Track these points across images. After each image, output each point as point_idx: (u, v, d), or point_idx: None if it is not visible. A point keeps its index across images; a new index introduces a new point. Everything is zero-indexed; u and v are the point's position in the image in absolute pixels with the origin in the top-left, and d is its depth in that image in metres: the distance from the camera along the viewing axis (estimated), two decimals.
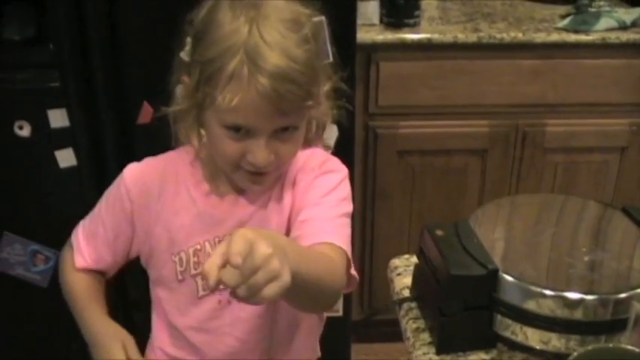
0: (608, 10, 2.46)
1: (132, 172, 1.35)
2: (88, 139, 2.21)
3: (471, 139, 2.51)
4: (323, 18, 1.24)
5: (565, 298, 1.10)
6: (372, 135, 2.52)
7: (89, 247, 1.39)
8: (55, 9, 2.09)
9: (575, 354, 0.93)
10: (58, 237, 2.28)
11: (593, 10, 2.47)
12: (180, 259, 1.32)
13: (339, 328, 2.37)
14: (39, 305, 2.38)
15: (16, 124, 2.17)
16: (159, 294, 1.39)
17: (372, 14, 2.43)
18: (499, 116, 2.50)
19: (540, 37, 2.40)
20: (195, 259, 1.30)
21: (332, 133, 2.32)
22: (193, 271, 1.31)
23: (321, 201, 1.24)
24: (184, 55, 1.23)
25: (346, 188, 1.30)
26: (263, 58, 1.10)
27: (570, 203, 1.38)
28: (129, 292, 2.25)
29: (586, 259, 1.18)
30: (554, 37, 2.40)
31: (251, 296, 0.89)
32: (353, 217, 1.28)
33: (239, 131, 1.15)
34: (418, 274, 1.27)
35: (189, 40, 1.22)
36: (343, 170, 1.31)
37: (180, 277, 1.33)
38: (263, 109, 1.11)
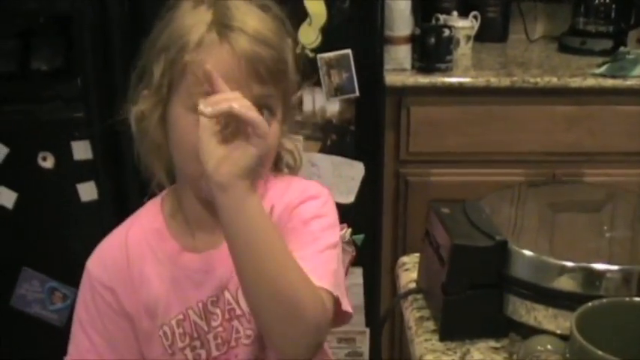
0: None
1: (93, 261, 1.19)
2: (110, 173, 2.20)
3: None
4: None
5: (587, 270, 0.99)
6: (402, 183, 2.44)
7: None
8: (82, 42, 2.12)
9: (585, 306, 0.83)
10: (76, 274, 2.25)
11: (631, 57, 2.40)
12: (165, 333, 1.16)
13: None
14: (55, 346, 2.32)
15: (40, 155, 2.18)
16: None
17: (403, 59, 2.40)
18: (534, 165, 2.41)
19: (576, 82, 2.33)
20: (181, 330, 1.15)
21: (358, 171, 2.28)
22: (180, 344, 1.15)
23: (302, 231, 1.09)
24: (142, 63, 1.10)
25: (329, 213, 1.14)
26: (236, 20, 1.04)
27: (594, 189, 1.28)
28: None
29: (607, 235, 1.08)
30: (591, 82, 2.33)
31: None
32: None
33: None
34: (423, 259, 1.17)
35: (147, 45, 1.10)
36: (323, 193, 1.17)
37: (170, 350, 1.16)
38: (240, 72, 1.02)
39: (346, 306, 1.06)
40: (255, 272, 0.96)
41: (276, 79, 1.06)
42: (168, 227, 1.16)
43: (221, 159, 0.92)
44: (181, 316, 1.14)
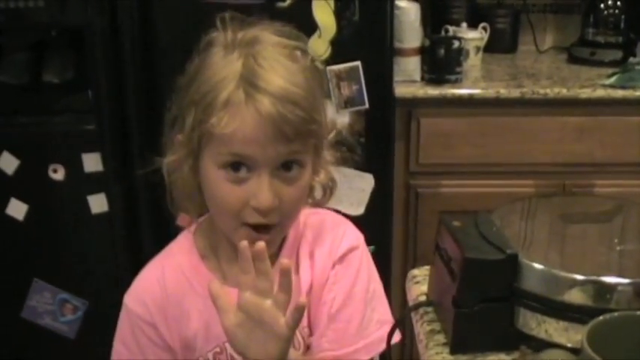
0: None
1: (131, 298, 1.18)
2: (121, 185, 2.21)
3: None
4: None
5: (598, 283, 0.99)
6: (412, 194, 2.44)
7: None
8: (93, 54, 2.13)
9: (596, 320, 0.83)
10: (87, 286, 2.26)
11: None
12: None
13: None
14: (66, 358, 2.32)
15: (51, 167, 2.19)
16: None
17: (412, 71, 2.40)
18: (545, 176, 2.41)
19: (585, 93, 2.33)
20: None
21: (368, 183, 2.27)
22: None
23: (348, 298, 1.15)
24: (174, 109, 1.12)
25: (367, 263, 1.21)
26: (263, 79, 1.02)
27: (604, 201, 1.28)
28: None
29: (618, 248, 1.08)
30: (600, 93, 2.33)
31: None
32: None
33: (238, 170, 1.04)
34: (433, 272, 1.17)
35: (180, 90, 1.11)
36: (359, 241, 1.22)
37: None
38: (264, 134, 1.01)
39: (397, 335, 1.17)
40: None
41: (304, 136, 1.05)
42: (204, 262, 1.16)
43: (255, 351, 0.98)
44: (218, 349, 1.14)
